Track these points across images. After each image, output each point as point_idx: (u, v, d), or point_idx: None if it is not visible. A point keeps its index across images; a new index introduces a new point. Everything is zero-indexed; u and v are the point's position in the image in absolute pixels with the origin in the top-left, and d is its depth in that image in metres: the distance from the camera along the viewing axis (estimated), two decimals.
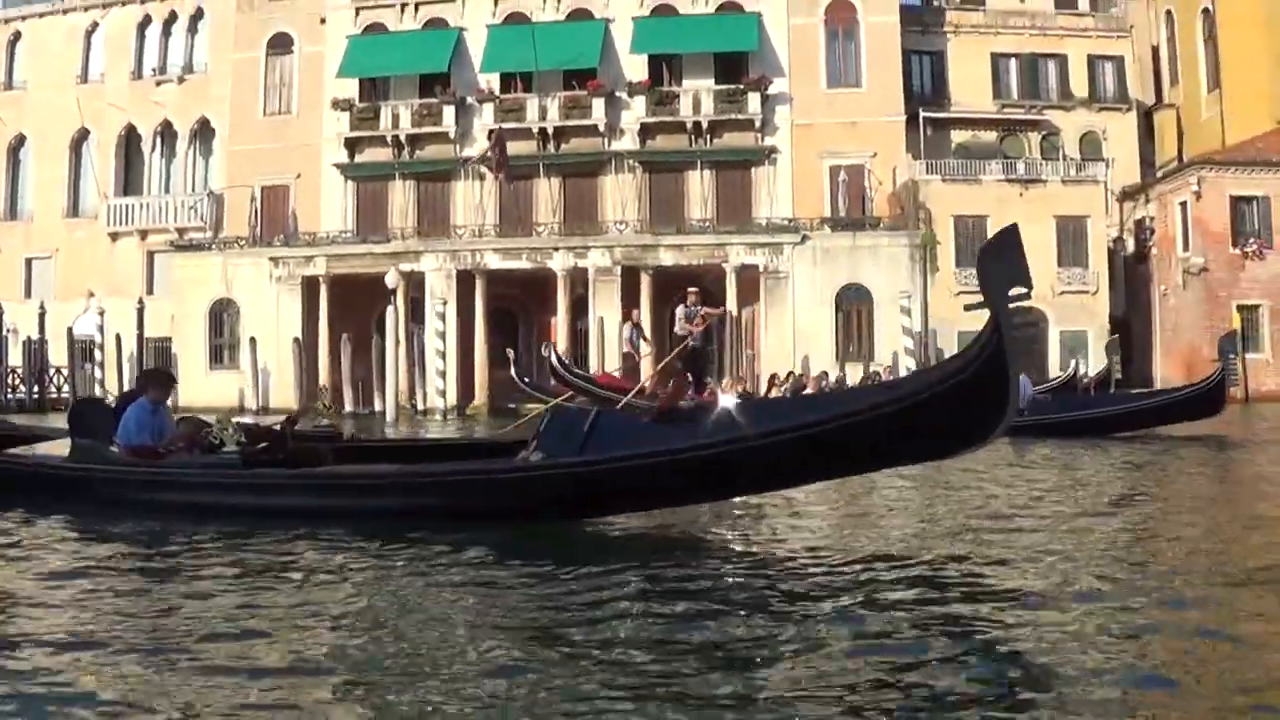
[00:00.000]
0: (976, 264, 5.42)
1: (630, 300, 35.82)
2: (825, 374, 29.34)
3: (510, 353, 29.40)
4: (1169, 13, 42.58)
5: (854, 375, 31.69)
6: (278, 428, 8.73)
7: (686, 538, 7.13)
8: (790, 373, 28.04)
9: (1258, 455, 13.86)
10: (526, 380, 27.03)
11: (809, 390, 21.51)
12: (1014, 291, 5.24)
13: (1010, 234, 5.36)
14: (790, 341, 35.36)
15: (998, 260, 5.31)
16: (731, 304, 36.04)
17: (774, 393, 22.26)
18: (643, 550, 6.47)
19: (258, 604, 5.00)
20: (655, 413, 7.49)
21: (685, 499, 7.33)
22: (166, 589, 5.52)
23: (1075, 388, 24.59)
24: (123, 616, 4.81)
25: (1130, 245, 39.08)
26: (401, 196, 39.14)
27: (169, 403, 9.79)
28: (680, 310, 21.07)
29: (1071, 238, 36.22)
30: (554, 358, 22.93)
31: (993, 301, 5.25)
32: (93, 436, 8.85)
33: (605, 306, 35.88)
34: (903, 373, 32.31)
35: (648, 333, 25.29)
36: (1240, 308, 35.45)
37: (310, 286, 37.50)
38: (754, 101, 37.40)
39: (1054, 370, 34.98)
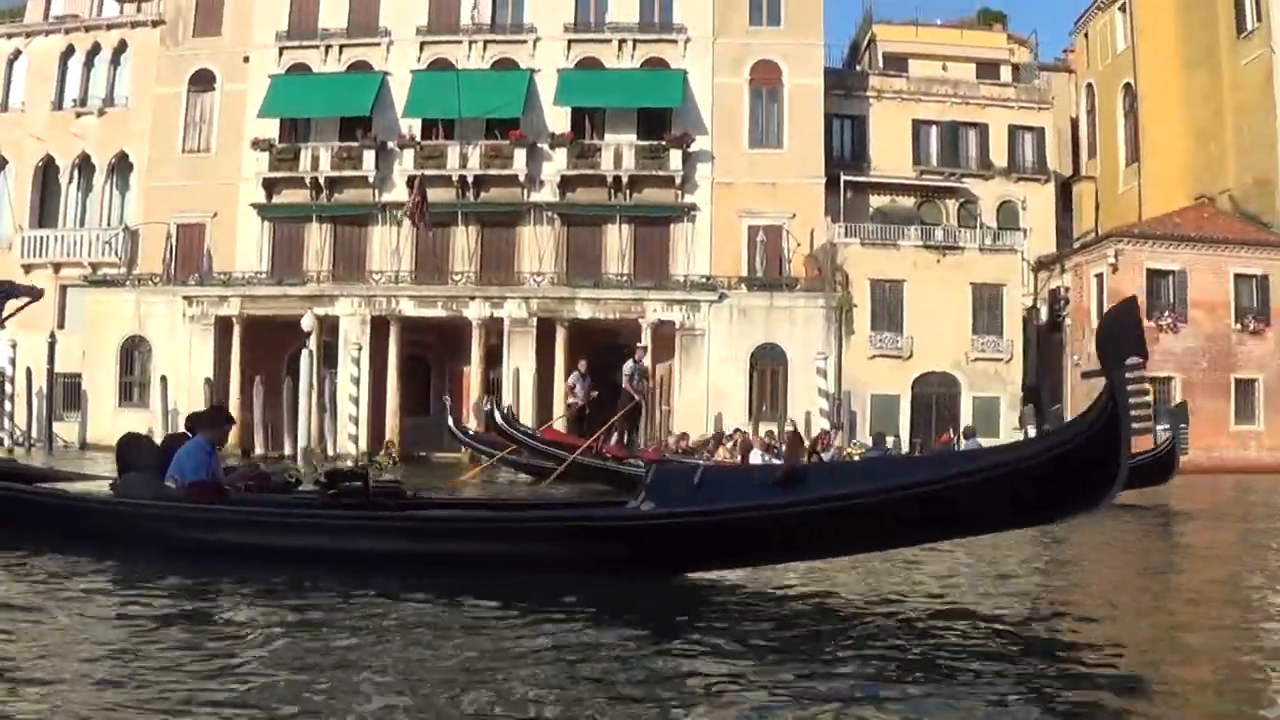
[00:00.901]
0: (1096, 333, 5.87)
1: (545, 352, 35.57)
2: (771, 434, 28.64)
3: (447, 400, 29.06)
4: (1090, 86, 43.14)
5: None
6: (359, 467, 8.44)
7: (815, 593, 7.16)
8: (737, 430, 27.70)
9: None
10: (467, 432, 26.75)
11: (756, 450, 21.06)
12: (1131, 361, 5.51)
13: (1129, 306, 5.76)
14: (705, 399, 35.11)
15: (1116, 330, 5.68)
16: (648, 360, 35.76)
17: (721, 452, 21.95)
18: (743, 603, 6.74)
19: (361, 661, 4.87)
20: (783, 476, 7.23)
21: (801, 554, 7.36)
22: (247, 640, 5.34)
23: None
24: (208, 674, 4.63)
25: (1044, 315, 39.23)
26: (318, 239, 38.62)
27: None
28: (629, 366, 21.10)
29: (987, 305, 36.30)
30: (496, 410, 22.49)
31: (1109, 370, 5.54)
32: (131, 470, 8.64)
33: (520, 357, 35.58)
34: (815, 429, 32.24)
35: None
36: (1153, 380, 35.37)
37: (223, 327, 36.85)
38: (675, 158, 37.30)
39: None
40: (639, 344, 26.90)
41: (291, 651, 5.05)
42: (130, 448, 9.11)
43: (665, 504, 6.95)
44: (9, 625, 5.51)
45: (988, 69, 42.09)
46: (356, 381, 35.48)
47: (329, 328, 35.84)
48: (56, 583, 6.90)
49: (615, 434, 20.30)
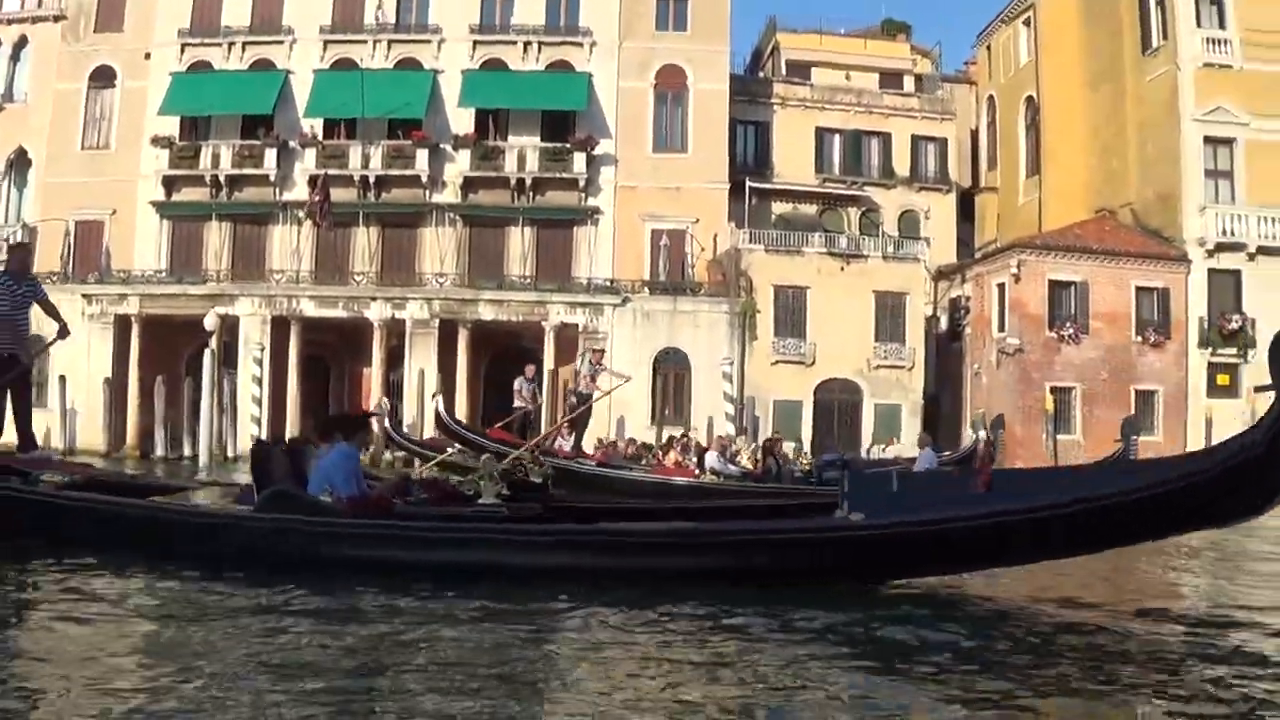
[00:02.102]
0: (1270, 349, 6.04)
1: (447, 354, 35.19)
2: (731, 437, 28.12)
3: (385, 402, 28.52)
4: (991, 98, 43.42)
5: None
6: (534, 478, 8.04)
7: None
8: (685, 434, 27.38)
9: None
10: (402, 434, 26.34)
11: (712, 453, 20.70)
12: None
13: None
14: (607, 402, 34.65)
15: None
16: (549, 362, 35.54)
17: (671, 456, 21.52)
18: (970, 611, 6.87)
19: (579, 678, 4.82)
20: (982, 485, 7.26)
21: (1000, 562, 7.46)
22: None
23: (975, 461, 24.20)
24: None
25: (944, 323, 39.26)
26: (217, 238, 37.98)
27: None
28: (585, 369, 20.87)
29: (890, 314, 36.33)
30: (441, 409, 22.00)
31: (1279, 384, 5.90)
32: (270, 484, 8.10)
33: (422, 359, 35.21)
34: (719, 433, 31.98)
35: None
36: (1053, 389, 35.64)
37: (122, 325, 36.13)
38: (579, 161, 37.06)
39: (865, 445, 35.09)
40: (595, 347, 26.92)
41: (529, 666, 5.08)
42: (265, 458, 8.59)
43: (876, 514, 6.99)
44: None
45: (891, 79, 42.21)
46: (259, 381, 34.87)
47: (229, 327, 35.29)
48: (248, 614, 6.34)
49: (567, 436, 20.05)
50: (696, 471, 18.90)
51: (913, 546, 6.96)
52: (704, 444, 27.74)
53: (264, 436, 34.45)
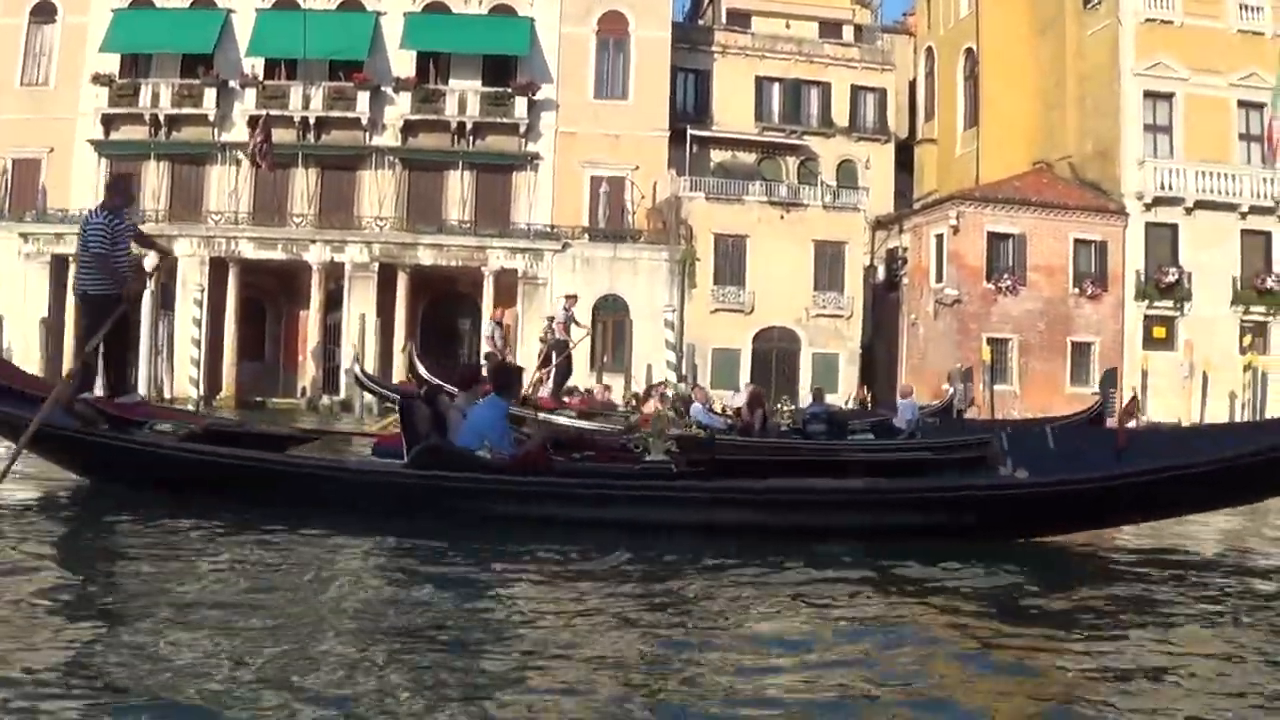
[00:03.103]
0: None
1: (386, 298, 35.15)
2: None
3: (354, 348, 28.05)
4: (930, 49, 43.39)
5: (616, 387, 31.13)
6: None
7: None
8: (662, 383, 27.37)
9: None
10: (369, 375, 26.31)
11: (696, 404, 20.66)
12: None
13: None
14: (543, 347, 34.80)
15: None
16: (488, 308, 35.59)
17: (650, 404, 21.55)
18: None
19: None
20: (1123, 441, 7.59)
21: (1142, 517, 7.78)
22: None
23: (952, 412, 24.36)
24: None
25: (881, 274, 39.41)
26: (155, 178, 37.60)
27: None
28: (561, 315, 20.93)
29: (829, 263, 36.51)
30: (412, 357, 21.85)
31: None
32: (419, 438, 7.80)
33: (361, 303, 35.19)
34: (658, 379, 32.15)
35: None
36: (990, 340, 35.87)
37: (59, 265, 35.70)
38: (520, 106, 36.92)
39: (804, 394, 35.20)
40: (568, 293, 27.02)
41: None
42: (410, 411, 8.23)
43: (1040, 471, 7.14)
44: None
45: (830, 28, 42.05)
46: (199, 324, 34.73)
47: (166, 269, 35.01)
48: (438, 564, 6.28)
49: (549, 384, 20.11)
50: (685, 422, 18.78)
51: (1076, 502, 7.08)
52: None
53: (196, 377, 34.53)
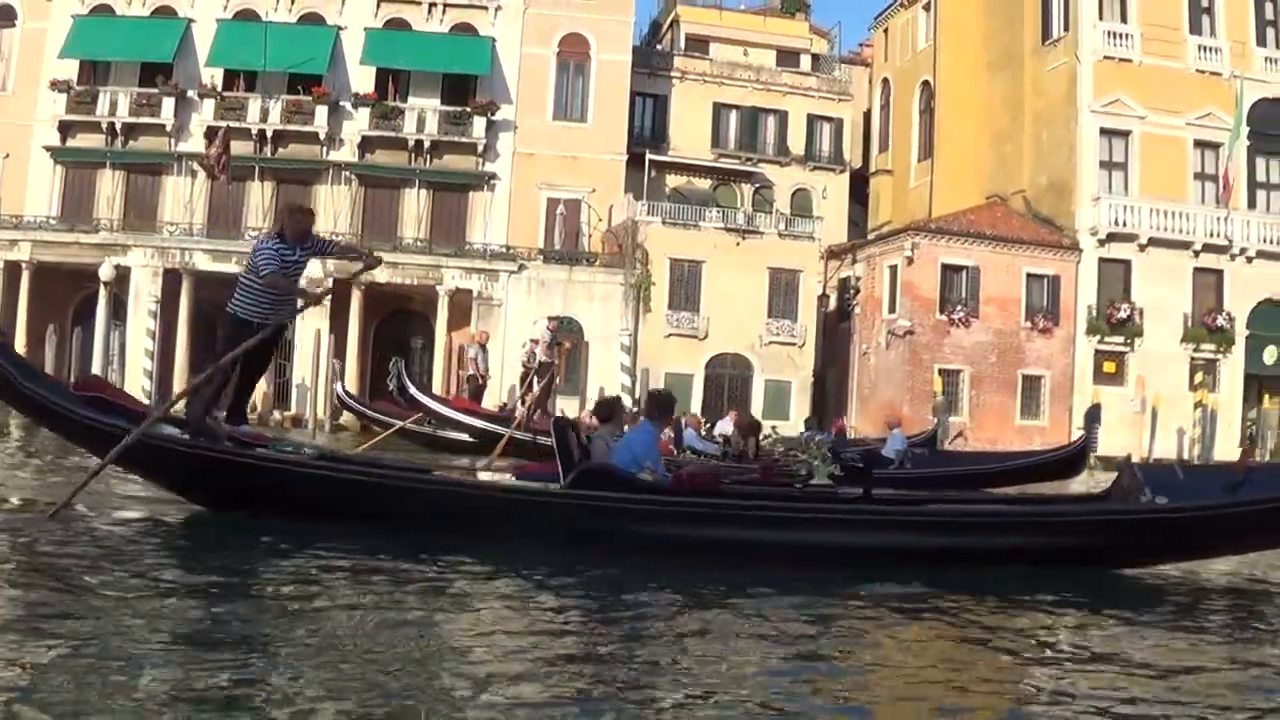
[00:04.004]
0: None
1: (339, 315, 34.99)
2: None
3: (336, 364, 28.10)
4: (886, 81, 43.64)
5: (571, 410, 31.18)
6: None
7: None
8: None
9: None
10: (356, 399, 26.24)
11: (690, 430, 20.71)
12: None
13: None
14: (501, 370, 34.73)
15: None
16: (442, 328, 35.57)
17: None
18: None
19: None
20: (1242, 471, 8.02)
21: (1243, 549, 8.26)
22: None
23: (936, 443, 24.45)
24: None
25: (833, 303, 39.53)
26: (110, 186, 37.46)
27: None
28: (545, 336, 20.95)
29: (783, 291, 36.58)
30: (405, 377, 21.66)
31: None
32: (574, 462, 7.87)
33: (314, 318, 34.84)
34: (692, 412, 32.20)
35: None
36: (942, 371, 36.03)
37: (12, 272, 35.56)
38: (479, 126, 36.86)
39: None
40: (549, 316, 27.04)
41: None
42: (564, 436, 8.28)
43: (1177, 497, 7.48)
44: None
45: (787, 57, 42.18)
46: (153, 335, 34.57)
47: (119, 278, 34.89)
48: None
49: (538, 406, 20.17)
50: (673, 449, 18.75)
51: (1208, 528, 7.51)
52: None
53: (149, 389, 34.34)
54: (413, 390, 21.81)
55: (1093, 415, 35.60)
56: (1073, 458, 18.04)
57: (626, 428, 9.17)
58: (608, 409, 9.39)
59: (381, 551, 6.96)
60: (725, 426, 21.57)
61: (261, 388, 35.71)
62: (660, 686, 4.36)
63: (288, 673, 4.23)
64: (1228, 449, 36.89)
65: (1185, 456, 36.21)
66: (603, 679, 4.43)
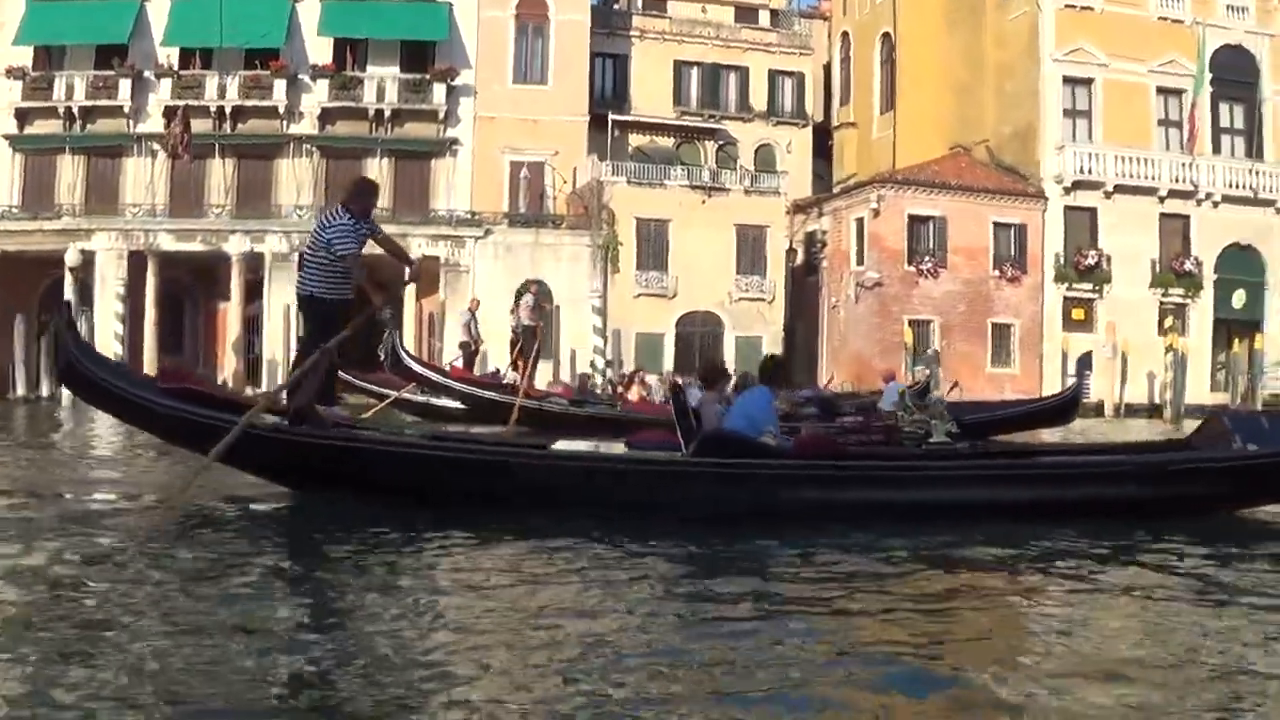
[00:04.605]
0: None
1: None
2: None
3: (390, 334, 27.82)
4: (846, 34, 43.63)
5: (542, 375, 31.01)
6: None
7: None
8: (638, 369, 27.38)
9: None
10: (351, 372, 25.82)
11: (694, 390, 20.64)
12: None
13: None
14: (459, 335, 34.59)
15: None
16: (410, 296, 35.34)
17: (634, 391, 21.54)
18: None
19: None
20: None
21: None
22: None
23: (927, 395, 24.41)
24: None
25: (800, 257, 39.45)
26: (71, 171, 37.11)
27: None
28: (528, 299, 21.62)
29: (751, 247, 36.55)
30: (394, 347, 21.42)
31: None
32: (693, 429, 7.83)
33: (281, 293, 34.66)
34: (582, 367, 32.16)
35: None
36: (911, 322, 35.96)
37: None
38: (439, 92, 36.69)
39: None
40: (532, 280, 26.92)
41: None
42: (684, 403, 8.18)
43: (1268, 444, 7.64)
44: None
45: (746, 13, 42.01)
46: (122, 319, 34.30)
47: (84, 263, 34.65)
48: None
49: (529, 371, 20.13)
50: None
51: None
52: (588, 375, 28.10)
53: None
54: (408, 360, 21.56)
55: (1083, 363, 35.62)
56: (1065, 406, 18.25)
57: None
58: (714, 374, 9.39)
59: (534, 533, 6.77)
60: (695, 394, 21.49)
61: (232, 364, 35.65)
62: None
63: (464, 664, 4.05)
64: (1199, 392, 37.01)
65: (1156, 401, 36.32)
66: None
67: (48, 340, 32.46)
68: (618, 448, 8.60)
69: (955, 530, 6.91)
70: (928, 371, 31.14)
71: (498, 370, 26.16)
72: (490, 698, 3.56)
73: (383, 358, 23.83)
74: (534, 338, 21.36)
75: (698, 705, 3.50)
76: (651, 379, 26.54)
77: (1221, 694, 3.78)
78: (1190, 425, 9.78)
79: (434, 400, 20.63)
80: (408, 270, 9.31)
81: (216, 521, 7.15)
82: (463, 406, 19.59)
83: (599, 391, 24.63)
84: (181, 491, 6.74)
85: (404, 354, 21.97)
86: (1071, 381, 21.98)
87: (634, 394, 21.13)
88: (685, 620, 4.68)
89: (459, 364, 22.62)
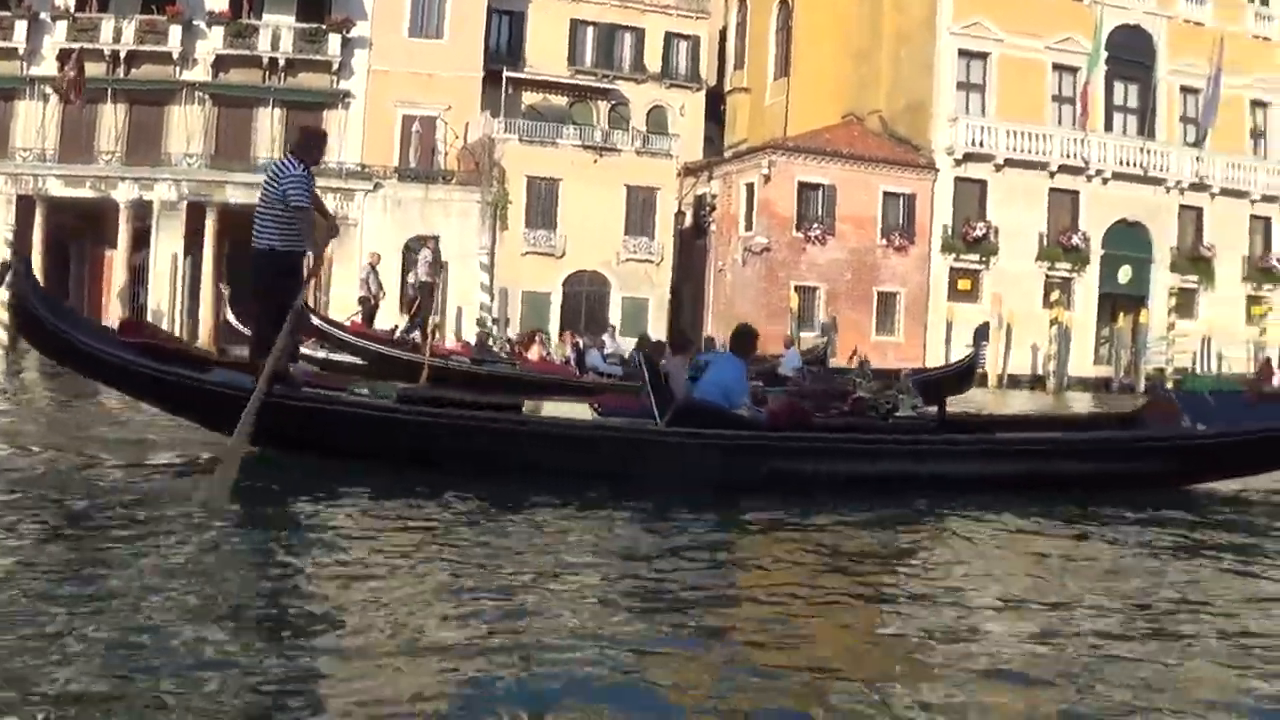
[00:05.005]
0: None
1: (194, 237, 34.73)
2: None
3: (225, 289, 27.60)
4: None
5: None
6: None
7: None
8: (537, 330, 27.28)
9: None
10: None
11: (594, 351, 20.83)
12: None
13: None
14: (357, 290, 34.57)
15: None
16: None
17: (534, 350, 21.51)
18: None
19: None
20: (1254, 399, 9.30)
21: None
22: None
23: (826, 362, 24.67)
24: None
25: (689, 220, 39.74)
26: None
27: None
28: (426, 255, 21.69)
29: (641, 208, 36.79)
30: (302, 305, 21.07)
31: None
32: (669, 398, 7.84)
33: (170, 242, 34.75)
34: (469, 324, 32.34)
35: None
36: (798, 288, 36.33)
37: None
38: (334, 43, 36.60)
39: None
40: (428, 235, 26.99)
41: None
42: (658, 371, 8.22)
43: (1214, 424, 8.12)
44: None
45: None
46: (7, 267, 33.96)
47: None
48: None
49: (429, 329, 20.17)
50: (576, 371, 18.56)
51: (1239, 450, 8.15)
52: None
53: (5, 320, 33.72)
54: (311, 319, 21.42)
55: (981, 334, 36.14)
56: (962, 374, 18.81)
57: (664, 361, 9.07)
58: (683, 340, 9.74)
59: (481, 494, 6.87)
60: (611, 346, 21.81)
61: (117, 312, 35.52)
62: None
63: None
64: (1083, 365, 37.70)
65: (1039, 373, 36.95)
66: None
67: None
68: (582, 410, 8.79)
69: (926, 500, 7.28)
70: (825, 339, 31.57)
71: (396, 328, 26.31)
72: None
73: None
74: (431, 295, 21.56)
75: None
76: (558, 340, 26.63)
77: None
78: (1074, 397, 10.16)
79: (333, 356, 20.69)
80: (328, 227, 8.62)
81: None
82: (362, 363, 19.63)
83: (497, 350, 24.71)
84: (224, 480, 6.40)
85: (309, 314, 21.96)
86: (968, 351, 22.67)
87: (533, 353, 21.32)
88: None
89: (358, 319, 22.67)
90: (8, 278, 7.46)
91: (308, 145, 8.23)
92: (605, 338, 24.19)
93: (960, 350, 34.98)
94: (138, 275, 35.54)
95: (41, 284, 7.88)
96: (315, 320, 21.74)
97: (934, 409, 8.36)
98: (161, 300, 34.97)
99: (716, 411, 7.71)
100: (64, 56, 35.21)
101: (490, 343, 26.44)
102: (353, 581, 4.65)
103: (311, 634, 3.91)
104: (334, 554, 5.16)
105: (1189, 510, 7.57)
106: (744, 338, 8.95)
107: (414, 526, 5.91)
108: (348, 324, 21.67)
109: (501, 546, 5.50)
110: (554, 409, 9.65)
